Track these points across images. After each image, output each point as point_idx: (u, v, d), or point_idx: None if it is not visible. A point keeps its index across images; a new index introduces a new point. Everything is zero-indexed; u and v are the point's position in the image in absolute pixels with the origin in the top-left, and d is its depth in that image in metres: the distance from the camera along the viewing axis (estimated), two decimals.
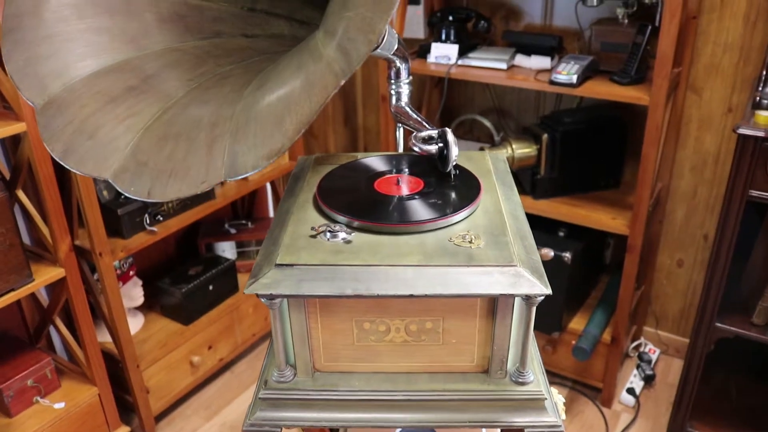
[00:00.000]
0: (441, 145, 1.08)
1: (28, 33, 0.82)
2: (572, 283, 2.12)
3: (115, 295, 1.90)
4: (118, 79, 0.82)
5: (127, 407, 2.15)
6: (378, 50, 1.05)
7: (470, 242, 0.90)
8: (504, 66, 2.10)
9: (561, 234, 2.14)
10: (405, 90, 1.18)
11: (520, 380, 0.92)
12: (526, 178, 2.21)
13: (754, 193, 1.55)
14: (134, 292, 2.19)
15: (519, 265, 0.85)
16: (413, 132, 1.13)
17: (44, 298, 2.00)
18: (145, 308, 2.34)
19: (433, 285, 0.84)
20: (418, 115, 1.15)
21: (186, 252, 2.61)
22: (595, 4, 1.98)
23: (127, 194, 0.71)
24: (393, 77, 1.16)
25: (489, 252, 0.88)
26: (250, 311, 2.47)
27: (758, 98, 1.60)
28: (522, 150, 2.13)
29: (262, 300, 0.88)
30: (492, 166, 1.18)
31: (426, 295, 0.84)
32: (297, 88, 0.63)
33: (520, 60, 2.13)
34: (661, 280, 2.44)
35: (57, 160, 0.76)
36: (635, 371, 2.36)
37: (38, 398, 1.87)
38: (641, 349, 2.46)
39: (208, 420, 2.25)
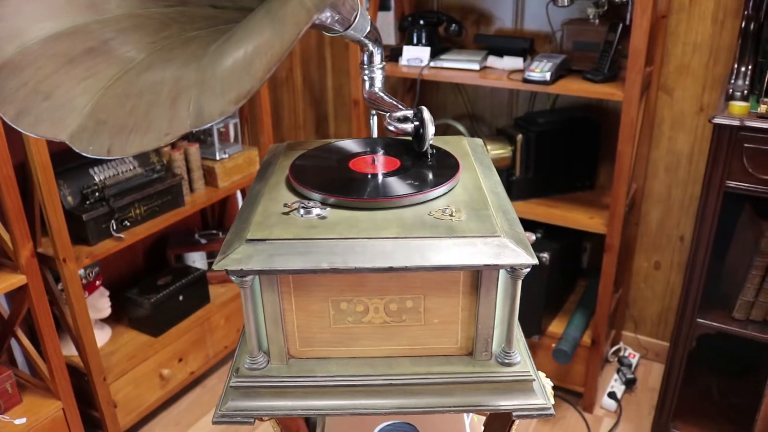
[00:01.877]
0: (417, 123, 1.05)
1: None
2: (551, 285, 2.09)
3: (80, 303, 1.82)
4: (77, 41, 0.77)
5: (93, 423, 2.05)
6: (350, 31, 1.02)
7: (451, 215, 0.87)
8: (477, 67, 2.09)
9: (538, 235, 2.11)
10: (378, 75, 1.14)
11: (507, 361, 0.88)
12: (501, 180, 2.18)
13: (731, 183, 1.54)
14: (101, 303, 2.10)
15: (503, 235, 0.82)
16: (388, 113, 1.10)
17: (5, 309, 1.90)
18: (112, 321, 2.25)
19: (413, 257, 0.80)
20: (392, 99, 1.12)
21: (155, 264, 2.53)
22: (566, 4, 1.98)
23: (85, 154, 0.66)
24: (366, 62, 1.13)
25: (471, 224, 0.84)
26: (222, 322, 2.39)
27: (731, 90, 1.60)
28: (497, 151, 2.11)
29: (233, 278, 0.83)
30: (469, 149, 1.15)
31: (406, 268, 0.79)
32: (267, 31, 0.59)
33: (493, 61, 2.12)
34: (638, 283, 2.43)
35: (9, 123, 0.71)
36: (616, 375, 2.34)
37: None
38: (621, 354, 2.44)
39: None
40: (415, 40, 2.27)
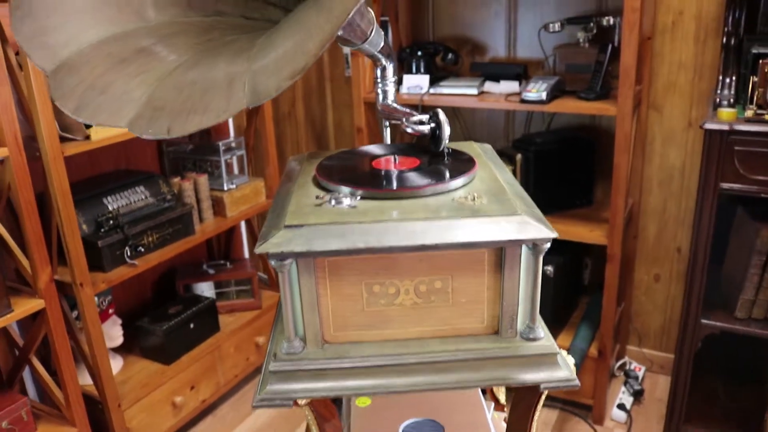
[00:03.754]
0: (433, 125, 1.12)
1: (36, 7, 0.84)
2: (555, 299, 2.14)
3: (96, 327, 1.85)
4: (127, 44, 0.84)
5: None
6: (366, 45, 1.10)
7: (473, 200, 0.93)
8: (475, 91, 2.18)
9: None
10: (391, 88, 1.22)
11: (531, 336, 0.93)
12: None
13: (725, 185, 1.62)
14: (113, 332, 2.12)
15: (523, 214, 0.88)
16: (405, 118, 1.17)
17: (19, 338, 1.92)
18: (124, 351, 2.27)
19: (442, 235, 0.86)
20: (405, 108, 1.19)
21: (164, 295, 2.56)
22: (557, 29, 2.09)
23: (145, 137, 0.72)
24: (379, 76, 1.21)
25: (492, 206, 0.90)
26: (232, 351, 2.41)
27: (718, 100, 1.70)
28: None
29: (272, 263, 0.88)
30: (481, 151, 1.22)
31: (437, 245, 0.85)
32: (315, 16, 0.66)
33: (489, 86, 2.22)
34: (639, 296, 2.48)
35: (70, 115, 0.77)
36: (623, 388, 2.37)
37: None
38: (627, 368, 2.47)
39: None
40: (414, 69, 2.37)
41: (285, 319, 0.92)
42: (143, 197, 2.13)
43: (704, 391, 2.08)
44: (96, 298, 2.04)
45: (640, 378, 2.41)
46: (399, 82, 2.34)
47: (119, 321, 2.17)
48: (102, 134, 1.81)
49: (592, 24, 2.07)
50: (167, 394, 2.15)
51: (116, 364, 2.19)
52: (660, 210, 2.33)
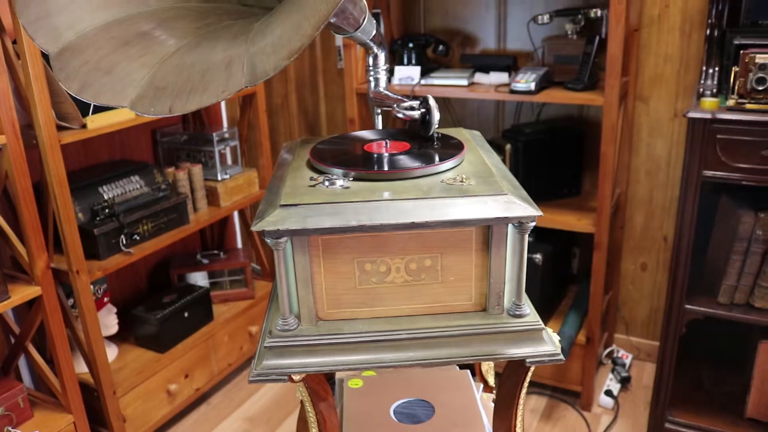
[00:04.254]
0: (423, 110, 1.15)
1: None
2: (544, 286, 2.18)
3: (92, 315, 1.87)
4: (129, 27, 0.87)
5: None
6: (358, 33, 1.13)
7: (461, 181, 0.96)
8: (465, 82, 2.21)
9: (530, 239, 2.21)
10: (383, 76, 1.26)
11: (518, 313, 0.97)
12: None
13: (708, 173, 1.66)
14: (108, 320, 2.15)
15: (509, 194, 0.91)
16: (396, 104, 1.20)
17: (15, 326, 1.95)
18: (118, 339, 2.29)
19: (432, 213, 0.89)
20: (396, 95, 1.23)
21: (158, 284, 2.59)
22: (546, 21, 2.13)
23: (147, 115, 0.75)
24: (371, 64, 1.25)
25: (480, 187, 0.94)
26: (226, 340, 2.44)
27: (701, 90, 1.74)
28: None
29: (268, 240, 0.91)
30: (470, 137, 1.25)
31: (427, 223, 0.88)
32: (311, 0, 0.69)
33: (480, 77, 2.25)
34: (626, 285, 2.52)
35: (74, 95, 0.80)
36: (611, 375, 2.41)
37: (10, 428, 1.80)
38: (614, 355, 2.52)
39: None
40: (405, 61, 2.40)
41: (280, 297, 0.96)
42: (138, 186, 2.15)
43: (689, 377, 2.13)
44: (91, 287, 2.06)
45: (627, 365, 2.46)
46: (390, 73, 2.37)
47: (114, 309, 2.19)
48: (98, 123, 1.83)
49: (580, 16, 2.11)
50: (162, 382, 2.18)
51: (111, 352, 2.22)
52: (647, 200, 2.38)
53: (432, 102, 1.14)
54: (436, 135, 1.15)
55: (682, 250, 1.75)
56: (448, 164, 1.02)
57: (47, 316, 1.78)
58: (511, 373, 1.07)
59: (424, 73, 2.32)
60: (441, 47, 2.41)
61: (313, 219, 0.89)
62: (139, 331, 2.26)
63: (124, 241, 1.99)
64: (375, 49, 1.23)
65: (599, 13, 2.05)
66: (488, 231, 0.93)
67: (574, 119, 2.40)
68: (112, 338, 2.27)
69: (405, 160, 1.03)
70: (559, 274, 2.40)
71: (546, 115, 2.43)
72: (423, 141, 1.14)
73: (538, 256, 2.11)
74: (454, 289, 0.97)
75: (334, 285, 0.96)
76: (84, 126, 1.81)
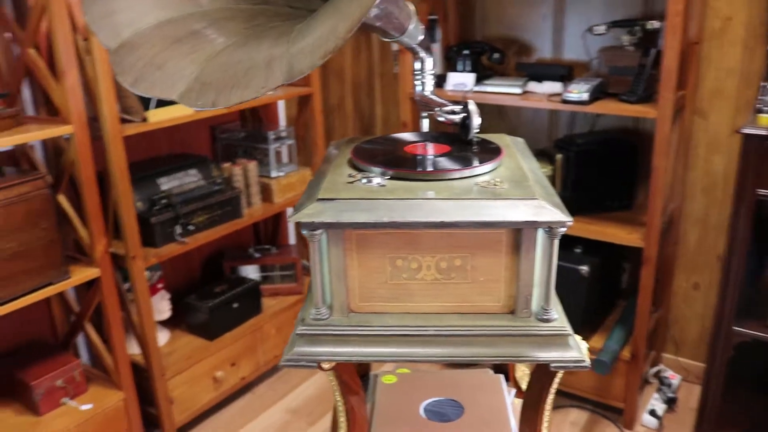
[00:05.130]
0: (464, 115, 1.18)
1: None
2: (590, 298, 2.16)
3: (146, 298, 1.96)
4: (182, 26, 0.92)
5: (149, 421, 2.17)
6: (404, 37, 1.16)
7: (495, 185, 0.98)
8: (518, 90, 2.22)
9: (577, 251, 2.19)
10: (429, 80, 1.28)
11: (545, 317, 0.98)
12: None
13: (762, 192, 1.61)
14: (161, 305, 2.25)
15: (540, 198, 0.93)
16: (438, 108, 1.23)
17: (75, 305, 2.06)
18: (171, 325, 2.39)
19: (463, 214, 0.91)
20: (441, 99, 1.25)
21: (211, 275, 2.68)
22: (602, 32, 2.11)
23: (194, 108, 0.80)
24: (418, 69, 1.27)
25: (512, 191, 0.96)
26: (273, 332, 2.51)
27: (759, 106, 1.69)
28: None
29: (304, 232, 0.95)
30: (511, 143, 1.26)
31: (457, 223, 0.91)
32: (346, 4, 0.73)
33: (533, 86, 2.25)
34: (678, 303, 2.46)
35: (128, 88, 0.86)
36: (656, 394, 2.36)
37: (66, 399, 1.91)
38: (661, 375, 2.46)
39: None
40: (459, 68, 2.42)
41: (314, 287, 1.00)
42: (195, 179, 2.24)
43: (737, 402, 2.07)
44: (147, 273, 2.16)
45: (674, 386, 2.40)
46: (444, 79, 2.39)
47: (168, 296, 2.29)
48: (158, 117, 1.92)
49: (637, 27, 2.08)
50: (209, 368, 2.26)
51: (163, 336, 2.31)
52: (702, 217, 2.32)
53: (473, 107, 1.16)
54: (475, 139, 1.17)
55: (732, 269, 1.70)
56: (484, 168, 1.04)
57: (104, 298, 1.88)
58: (539, 378, 1.08)
59: (478, 80, 2.33)
60: (496, 55, 2.41)
61: (347, 213, 0.93)
62: (191, 318, 2.36)
63: (179, 231, 2.08)
64: (422, 54, 1.26)
65: (657, 24, 2.02)
66: (519, 234, 0.94)
67: (630, 132, 2.36)
68: (164, 323, 2.37)
69: (442, 162, 1.06)
70: (607, 288, 2.37)
71: (601, 127, 2.41)
72: (463, 145, 1.17)
73: (584, 268, 2.08)
74: (483, 289, 0.99)
75: (367, 279, 1.00)
76: (145, 119, 1.90)
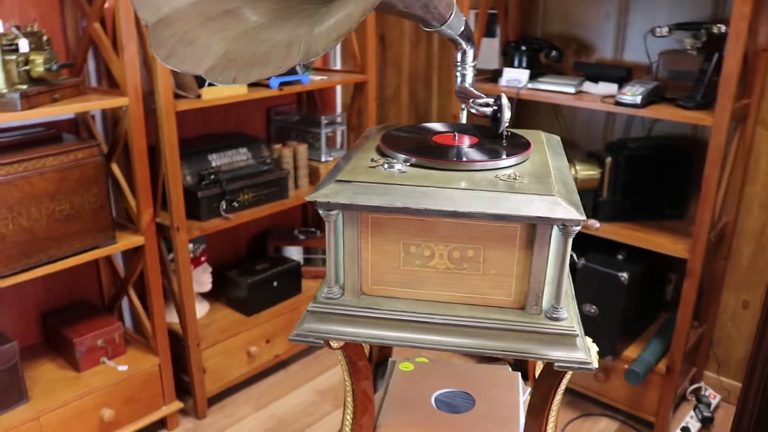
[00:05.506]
0: (495, 108, 1.17)
1: None
2: (628, 306, 2.10)
3: (186, 269, 2.03)
4: (216, 5, 0.96)
5: (183, 389, 2.25)
6: (445, 28, 1.16)
7: (515, 179, 0.97)
8: (572, 90, 2.17)
9: (620, 257, 2.14)
10: (470, 72, 1.28)
11: (555, 316, 0.96)
12: (588, 201, 2.24)
13: None
14: (203, 278, 2.32)
15: (557, 195, 0.91)
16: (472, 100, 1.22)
17: (122, 270, 2.15)
18: (212, 298, 2.47)
19: (475, 205, 0.91)
20: (479, 92, 1.24)
21: (256, 253, 2.75)
22: (664, 34, 2.04)
23: (216, 83, 0.83)
24: (459, 60, 1.27)
25: (531, 186, 0.95)
26: None
27: None
28: (585, 171, 2.18)
29: (320, 212, 0.97)
30: (545, 140, 1.25)
31: (469, 213, 0.91)
32: None
33: (588, 86, 2.20)
34: (725, 321, 2.37)
35: (161, 61, 0.89)
36: (692, 412, 2.28)
37: (105, 359, 2.00)
38: (700, 393, 2.38)
39: (257, 410, 2.32)
40: (515, 64, 2.40)
41: (327, 266, 1.01)
42: (245, 158, 2.30)
43: None
44: (191, 245, 2.24)
45: (712, 406, 2.32)
46: (499, 75, 2.37)
47: (210, 269, 2.36)
48: (211, 95, 1.98)
49: (702, 31, 2.01)
50: (244, 342, 2.33)
51: (203, 307, 2.39)
52: (757, 233, 2.22)
53: (504, 101, 1.15)
54: (506, 133, 1.16)
55: None
56: (507, 161, 1.03)
57: (146, 265, 1.96)
58: (546, 377, 1.07)
59: (532, 77, 2.30)
60: (554, 53, 2.37)
61: (362, 196, 0.94)
62: (231, 292, 2.42)
63: (224, 207, 2.14)
64: (464, 45, 1.25)
65: (723, 29, 1.94)
66: (533, 230, 0.94)
67: (687, 140, 2.28)
68: (206, 296, 2.45)
69: (465, 153, 1.06)
70: (649, 298, 2.30)
71: (658, 133, 2.34)
72: (493, 138, 1.16)
73: (624, 275, 2.03)
74: (495, 282, 0.99)
75: (380, 262, 1.01)
76: (199, 96, 1.96)
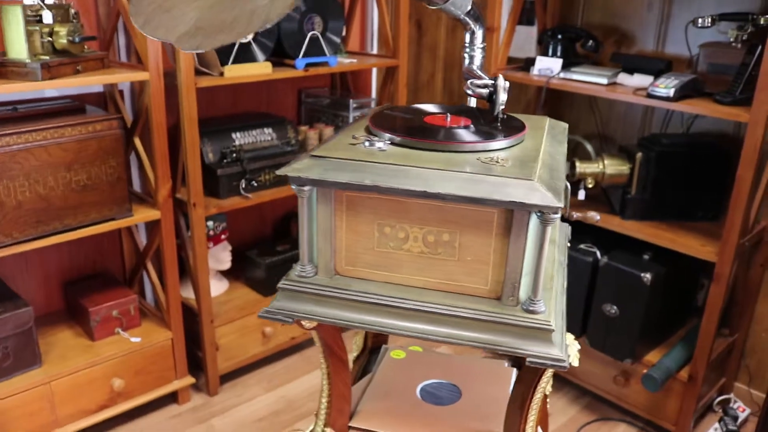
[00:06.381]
0: (491, 89, 1.12)
1: None
2: (651, 308, 2.01)
3: (202, 246, 2.05)
4: None
5: (197, 365, 2.27)
6: (448, 6, 1.12)
7: (497, 162, 0.93)
8: (605, 81, 2.08)
9: (646, 257, 2.05)
10: (478, 54, 1.23)
11: (531, 308, 0.92)
12: (616, 197, 2.15)
13: None
14: (223, 256, 2.33)
15: (536, 180, 0.86)
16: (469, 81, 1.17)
17: (142, 243, 2.19)
18: (232, 276, 2.49)
19: (447, 186, 0.87)
20: (481, 74, 1.19)
21: (281, 236, 2.75)
22: (707, 24, 1.93)
23: (184, 50, 0.81)
24: (468, 41, 1.22)
25: (511, 169, 0.90)
26: None
27: None
28: (614, 166, 2.09)
29: (293, 187, 0.95)
30: (548, 127, 1.19)
31: (439, 194, 0.87)
32: None
33: (623, 78, 2.10)
34: (759, 332, 2.25)
35: (138, 29, 0.88)
36: (717, 425, 2.17)
37: (119, 330, 2.04)
38: (728, 405, 2.26)
39: (268, 391, 2.32)
40: (550, 53, 2.31)
41: (300, 244, 0.99)
42: (269, 138, 2.30)
43: None
44: (210, 222, 2.25)
45: (740, 419, 2.20)
46: (532, 64, 2.29)
47: (229, 247, 2.38)
48: (234, 73, 1.98)
49: (748, 22, 1.89)
50: (260, 322, 2.33)
51: (222, 285, 2.41)
52: None
53: (501, 82, 1.10)
54: (501, 116, 1.11)
55: None
56: (494, 144, 0.99)
57: (162, 240, 1.98)
58: (526, 372, 1.02)
59: (566, 67, 2.22)
60: (591, 42, 2.28)
61: (333, 172, 0.91)
62: (249, 272, 2.44)
63: (244, 185, 2.14)
64: (472, 26, 1.21)
65: None
66: (510, 216, 0.89)
67: (728, 138, 2.16)
68: (226, 274, 2.47)
69: (452, 134, 1.01)
70: (676, 302, 2.19)
71: (697, 129, 2.22)
72: (487, 120, 1.11)
73: (647, 276, 1.94)
74: (470, 270, 0.94)
75: (354, 243, 0.98)
76: (222, 74, 1.97)
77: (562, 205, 0.84)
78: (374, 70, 2.94)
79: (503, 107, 1.10)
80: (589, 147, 2.43)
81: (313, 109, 2.69)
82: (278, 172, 0.94)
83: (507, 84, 1.10)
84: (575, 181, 2.16)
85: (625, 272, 1.99)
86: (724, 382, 2.29)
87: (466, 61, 1.23)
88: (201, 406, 2.23)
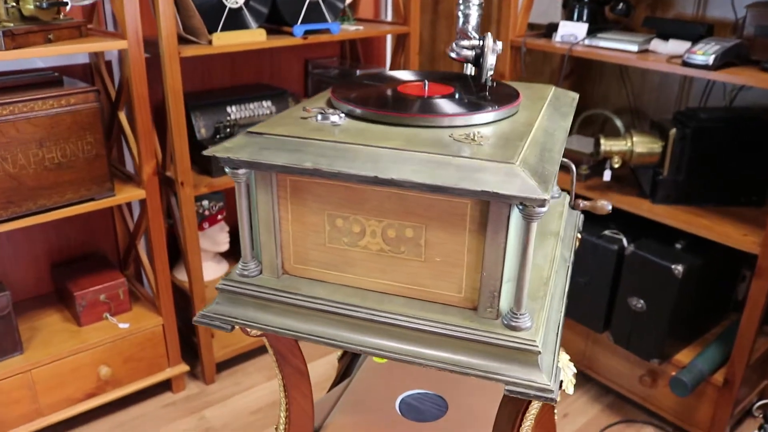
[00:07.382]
0: (477, 51, 0.93)
1: None
2: (683, 303, 1.80)
3: (192, 227, 1.91)
4: None
5: (193, 351, 2.16)
6: None
7: (473, 139, 0.75)
8: (635, 48, 1.85)
9: (678, 246, 1.83)
10: (474, 13, 1.05)
11: (513, 324, 0.74)
12: (646, 178, 1.93)
13: None
14: (220, 237, 2.20)
15: (519, 164, 0.68)
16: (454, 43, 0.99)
17: (132, 225, 2.07)
18: (232, 259, 2.35)
19: (404, 171, 0.70)
20: (474, 34, 1.01)
21: None
22: None
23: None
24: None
25: (488, 150, 0.72)
26: None
27: None
28: (644, 144, 1.86)
29: (226, 170, 0.79)
30: (551, 97, 1.00)
31: (392, 180, 0.69)
32: None
33: (656, 45, 1.87)
34: None
35: None
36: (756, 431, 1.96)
37: (107, 315, 1.93)
38: None
39: (267, 380, 2.20)
40: (575, 17, 2.09)
41: (241, 238, 0.83)
42: (268, 112, 2.14)
43: None
44: (206, 202, 2.12)
45: None
46: (554, 29, 2.07)
47: (227, 228, 2.24)
48: (223, 41, 1.81)
49: None
50: None
51: (220, 268, 2.28)
52: None
53: (489, 42, 0.91)
54: (489, 84, 0.92)
55: None
56: (471, 119, 0.80)
57: (149, 220, 1.85)
58: (506, 405, 0.84)
59: (591, 32, 1.99)
60: (621, 5, 2.04)
61: (269, 153, 0.75)
62: None
63: None
64: None
65: None
66: (487, 208, 0.71)
67: None
68: (225, 256, 2.34)
69: (425, 105, 0.83)
70: (713, 296, 1.97)
71: (742, 102, 1.98)
72: (474, 89, 0.93)
73: (678, 267, 1.73)
74: (439, 273, 0.77)
75: (302, 236, 0.81)
76: (210, 42, 1.80)
77: (548, 196, 0.66)
78: (388, 39, 2.74)
79: (491, 73, 0.91)
80: (618, 122, 2.20)
81: (321, 80, 2.51)
82: (205, 153, 0.78)
83: (499, 45, 0.92)
84: (600, 160, 1.95)
85: (653, 263, 1.78)
86: (765, 385, 2.07)
87: (460, 21, 1.05)
88: (196, 395, 2.11)
